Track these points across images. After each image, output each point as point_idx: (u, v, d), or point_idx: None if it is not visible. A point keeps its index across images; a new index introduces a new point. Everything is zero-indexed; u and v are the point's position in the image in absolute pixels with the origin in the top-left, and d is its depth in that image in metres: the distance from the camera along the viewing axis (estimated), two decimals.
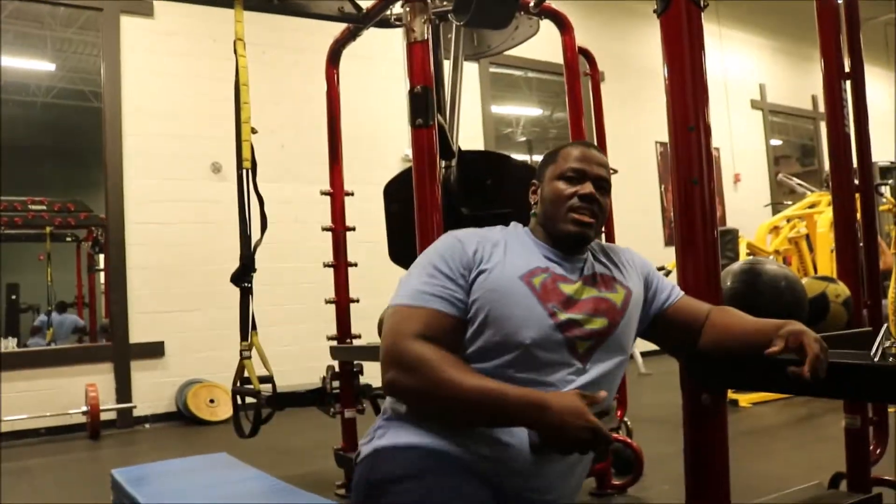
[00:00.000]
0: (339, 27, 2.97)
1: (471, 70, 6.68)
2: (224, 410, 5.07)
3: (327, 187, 3.10)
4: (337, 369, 2.98)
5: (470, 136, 6.28)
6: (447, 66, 2.74)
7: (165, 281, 5.32)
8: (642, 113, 7.85)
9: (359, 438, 1.35)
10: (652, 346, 1.54)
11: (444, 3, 2.56)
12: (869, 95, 2.19)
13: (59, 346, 6.77)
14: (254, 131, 2.70)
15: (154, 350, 5.24)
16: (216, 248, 5.23)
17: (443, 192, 2.18)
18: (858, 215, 2.17)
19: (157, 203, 5.36)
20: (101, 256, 7.21)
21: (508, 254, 1.33)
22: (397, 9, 2.67)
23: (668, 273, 4.93)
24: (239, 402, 2.83)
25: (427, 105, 2.10)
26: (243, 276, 2.72)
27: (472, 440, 1.22)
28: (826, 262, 4.84)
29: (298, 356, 4.87)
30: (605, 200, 1.40)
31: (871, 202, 2.20)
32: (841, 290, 1.92)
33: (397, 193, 2.59)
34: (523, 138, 10.45)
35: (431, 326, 1.24)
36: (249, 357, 2.70)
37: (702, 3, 1.55)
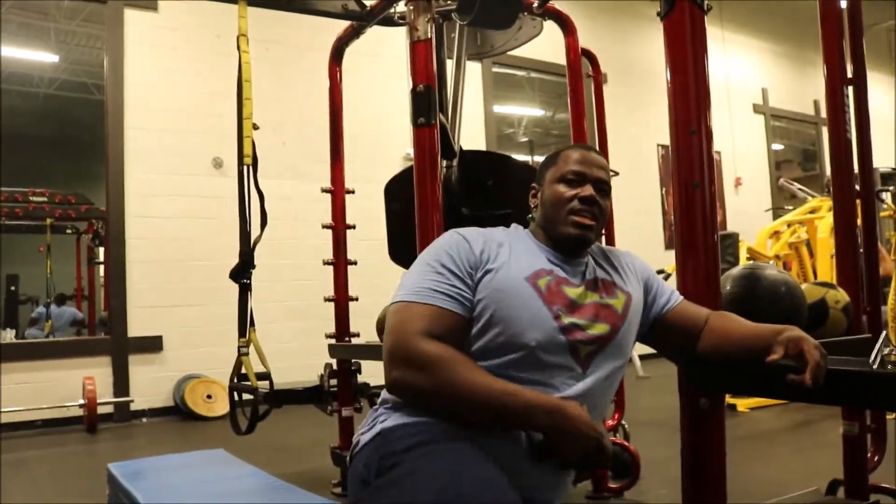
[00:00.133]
0: (343, 24, 2.97)
1: (473, 69, 6.68)
2: (222, 406, 5.06)
3: (328, 185, 3.10)
4: (335, 367, 2.97)
5: (472, 135, 6.28)
6: (450, 65, 2.74)
7: (165, 275, 5.32)
8: (644, 115, 7.85)
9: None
10: (650, 350, 1.54)
11: (448, 2, 2.55)
12: (871, 101, 2.19)
13: (57, 338, 6.78)
14: (255, 127, 2.70)
15: (152, 344, 5.24)
16: (216, 244, 5.24)
17: (444, 191, 2.17)
18: (859, 221, 2.17)
19: (158, 197, 5.36)
20: (101, 249, 7.22)
21: (514, 255, 1.33)
22: (401, 7, 2.66)
23: (667, 276, 4.93)
24: (236, 398, 2.83)
25: (429, 104, 2.10)
26: (242, 273, 2.72)
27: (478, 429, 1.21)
28: (826, 267, 4.83)
29: (297, 353, 4.87)
30: (605, 203, 1.40)
31: (871, 208, 2.20)
32: (840, 296, 1.92)
33: (398, 192, 2.59)
34: (525, 138, 10.45)
35: (439, 324, 1.22)
36: (247, 354, 2.70)
37: (705, 6, 1.55)
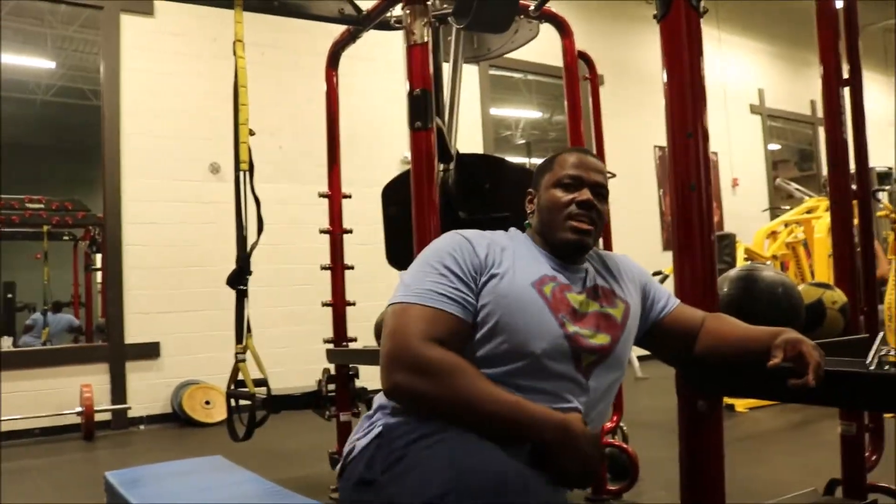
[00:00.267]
0: (339, 29, 2.97)
1: (470, 72, 6.68)
2: (220, 412, 5.04)
3: (325, 189, 3.09)
4: (333, 372, 2.97)
5: (469, 138, 6.29)
6: (447, 68, 2.74)
7: (162, 281, 5.30)
8: (641, 117, 7.85)
9: None
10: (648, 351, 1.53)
11: (445, 5, 2.56)
12: (867, 101, 2.19)
13: (54, 345, 6.76)
14: (252, 133, 2.70)
15: (150, 351, 5.22)
16: (214, 249, 5.23)
17: (441, 195, 2.17)
18: (856, 221, 2.17)
19: (155, 203, 5.34)
20: (99, 256, 7.20)
21: (517, 259, 1.31)
22: (397, 11, 2.66)
23: (665, 278, 4.93)
24: (233, 404, 2.82)
25: (426, 108, 2.10)
26: (239, 279, 2.72)
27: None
28: (823, 267, 4.84)
29: (295, 358, 4.86)
30: (603, 207, 1.38)
31: (868, 208, 2.21)
32: (837, 296, 1.92)
33: (395, 196, 2.58)
34: (522, 141, 10.46)
35: (442, 329, 1.19)
36: (244, 360, 2.69)
37: (701, 8, 1.55)
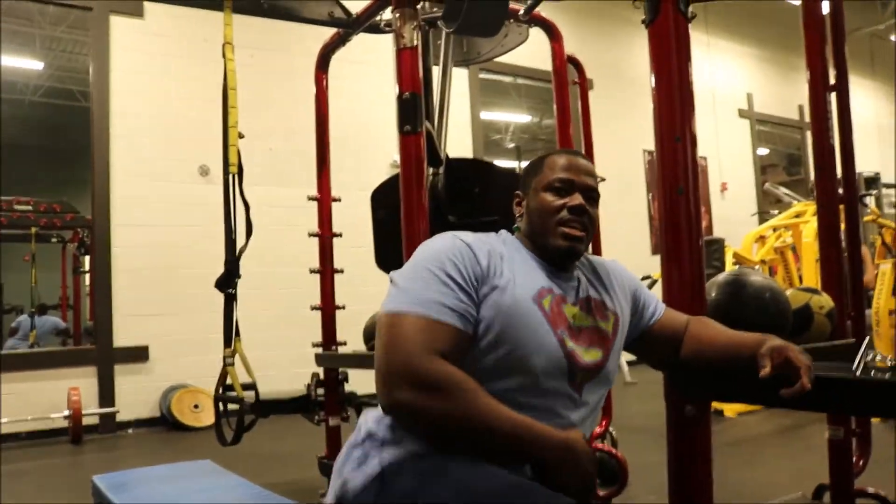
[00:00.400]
0: (329, 32, 2.96)
1: (460, 76, 6.68)
2: (208, 416, 5.02)
3: (315, 192, 3.08)
4: (322, 376, 2.96)
5: (459, 141, 6.29)
6: (436, 72, 2.74)
7: (151, 284, 5.28)
8: (630, 121, 7.88)
9: (343, 447, 1.24)
10: None
11: (434, 9, 2.56)
12: (853, 106, 2.21)
13: (42, 348, 6.71)
14: (241, 136, 2.69)
15: (138, 354, 5.19)
16: (203, 252, 5.20)
17: (430, 198, 2.17)
18: (843, 225, 2.18)
19: (144, 205, 5.32)
20: (87, 258, 7.16)
21: (516, 270, 1.26)
22: (387, 14, 2.66)
23: (653, 282, 4.95)
24: (222, 408, 2.80)
25: (415, 111, 2.09)
26: (228, 282, 2.70)
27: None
28: (811, 271, 4.87)
29: (284, 361, 4.84)
30: (594, 211, 1.34)
31: (855, 212, 2.22)
32: (825, 301, 1.93)
33: (384, 200, 2.58)
34: (512, 145, 10.48)
35: (448, 343, 1.13)
36: (233, 364, 2.68)
37: (689, 13, 1.56)
